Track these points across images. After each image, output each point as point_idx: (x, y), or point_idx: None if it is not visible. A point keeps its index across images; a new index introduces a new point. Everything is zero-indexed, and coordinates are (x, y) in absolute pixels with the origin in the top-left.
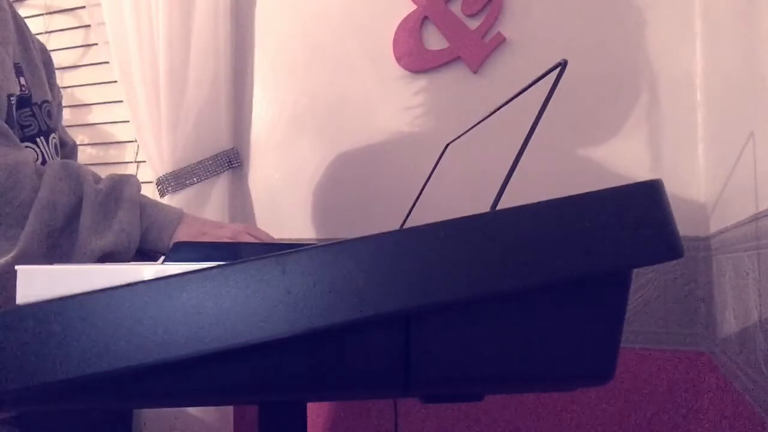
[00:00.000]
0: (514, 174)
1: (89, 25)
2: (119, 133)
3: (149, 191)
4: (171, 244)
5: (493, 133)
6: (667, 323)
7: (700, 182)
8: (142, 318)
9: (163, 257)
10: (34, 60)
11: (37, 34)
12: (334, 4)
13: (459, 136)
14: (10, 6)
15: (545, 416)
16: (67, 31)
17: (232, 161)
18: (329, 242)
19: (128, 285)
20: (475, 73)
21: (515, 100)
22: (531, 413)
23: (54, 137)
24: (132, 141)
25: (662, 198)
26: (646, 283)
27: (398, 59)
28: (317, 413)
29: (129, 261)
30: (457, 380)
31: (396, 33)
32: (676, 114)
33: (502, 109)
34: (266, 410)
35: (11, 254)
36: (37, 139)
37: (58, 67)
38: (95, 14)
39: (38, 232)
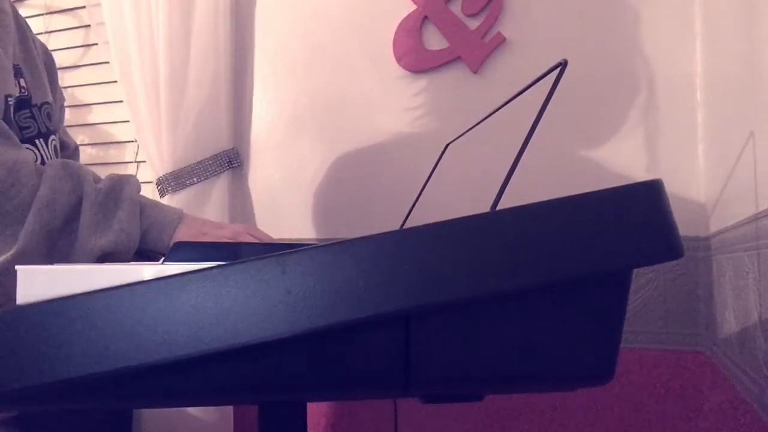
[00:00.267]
0: (514, 174)
1: (89, 25)
2: (119, 133)
3: (149, 191)
4: (171, 244)
5: (493, 133)
6: (667, 323)
7: (700, 182)
8: (142, 318)
9: (163, 257)
10: (35, 61)
11: (38, 34)
12: (334, 4)
13: (459, 136)
14: (12, 7)
15: (545, 416)
16: (67, 31)
17: (232, 161)
18: (329, 242)
19: (128, 285)
20: (475, 73)
21: (515, 100)
22: (531, 413)
23: (54, 139)
24: (132, 141)
25: (662, 198)
26: (646, 283)
27: (398, 59)
28: (317, 413)
29: (129, 261)
30: (457, 380)
31: (396, 33)
32: (675, 114)
33: (502, 109)
34: (266, 410)
35: (10, 253)
36: (36, 141)
37: (58, 67)
38: (95, 14)
39: (37, 231)
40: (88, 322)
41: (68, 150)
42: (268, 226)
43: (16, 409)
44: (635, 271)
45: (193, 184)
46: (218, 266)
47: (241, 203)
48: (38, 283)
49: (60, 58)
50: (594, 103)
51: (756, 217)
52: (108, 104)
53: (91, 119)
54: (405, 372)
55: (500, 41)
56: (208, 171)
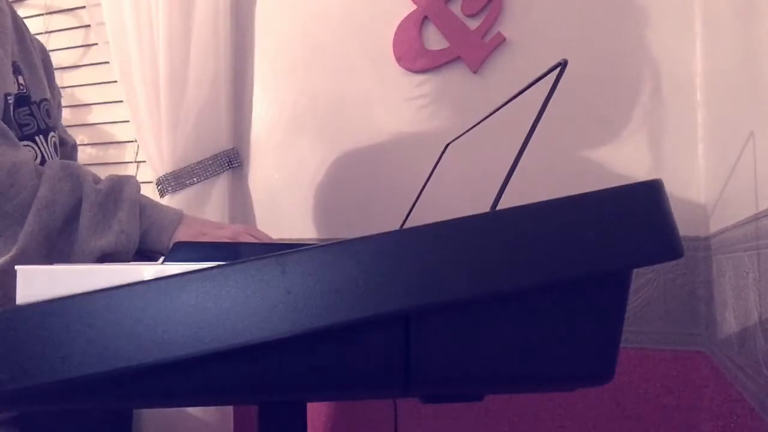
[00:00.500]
0: (514, 174)
1: (89, 25)
2: (119, 133)
3: (149, 191)
4: (171, 244)
5: (493, 133)
6: (667, 323)
7: (700, 182)
8: (142, 318)
9: (162, 257)
10: (32, 59)
11: (37, 34)
12: (334, 4)
13: (459, 136)
14: (9, 6)
15: (545, 416)
16: (67, 31)
17: (232, 161)
18: (329, 242)
19: (128, 285)
20: (475, 73)
21: (515, 100)
22: (531, 413)
23: (53, 136)
24: (132, 141)
25: (662, 198)
26: (646, 283)
27: (398, 59)
28: (317, 413)
29: (128, 261)
30: (457, 380)
31: (396, 33)
32: (676, 114)
33: (502, 109)
34: (266, 410)
35: (10, 254)
36: (36, 138)
37: (58, 67)
38: (95, 14)
39: (37, 232)
40: (88, 322)
41: (67, 147)
42: (268, 226)
43: (16, 409)
44: (635, 271)
45: (193, 184)
46: (218, 266)
47: (241, 203)
48: (38, 283)
49: (60, 58)
50: (594, 103)
51: (756, 217)
52: (108, 104)
53: (91, 119)
54: (405, 372)
55: (500, 41)
56: (208, 171)
